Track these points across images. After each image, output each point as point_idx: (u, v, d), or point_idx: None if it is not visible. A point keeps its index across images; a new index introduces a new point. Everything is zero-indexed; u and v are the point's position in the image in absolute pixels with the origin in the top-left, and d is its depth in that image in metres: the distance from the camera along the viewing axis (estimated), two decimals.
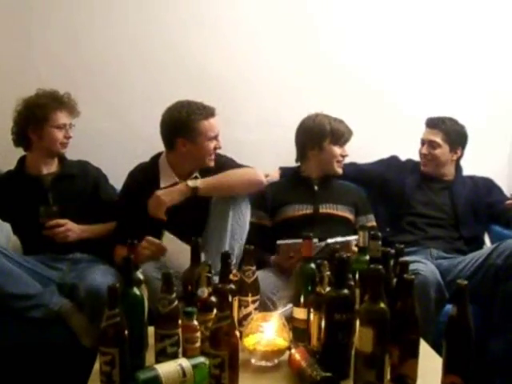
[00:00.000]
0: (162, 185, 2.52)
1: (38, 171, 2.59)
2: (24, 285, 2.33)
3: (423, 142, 2.93)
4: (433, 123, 2.91)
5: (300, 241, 2.16)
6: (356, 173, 3.00)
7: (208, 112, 2.48)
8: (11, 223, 2.60)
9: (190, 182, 2.45)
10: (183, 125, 2.46)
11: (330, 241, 2.32)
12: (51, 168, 2.62)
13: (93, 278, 2.29)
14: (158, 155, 2.63)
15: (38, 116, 2.50)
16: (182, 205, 2.43)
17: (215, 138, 2.52)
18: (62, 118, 2.54)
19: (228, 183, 2.48)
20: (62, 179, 2.60)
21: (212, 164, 2.55)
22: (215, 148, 2.54)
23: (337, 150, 2.75)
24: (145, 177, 2.57)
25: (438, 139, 2.87)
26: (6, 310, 2.30)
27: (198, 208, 2.47)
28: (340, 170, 2.79)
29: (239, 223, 2.48)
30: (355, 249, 2.35)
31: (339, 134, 2.73)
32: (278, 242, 2.42)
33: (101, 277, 2.29)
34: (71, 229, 2.49)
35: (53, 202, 2.53)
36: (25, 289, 2.32)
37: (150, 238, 2.33)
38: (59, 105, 2.53)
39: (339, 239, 2.34)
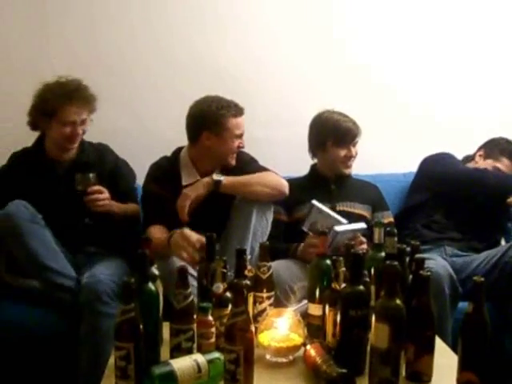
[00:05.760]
0: (183, 182, 2.53)
1: (55, 155, 2.53)
2: (63, 264, 2.32)
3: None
4: None
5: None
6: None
7: (238, 110, 2.50)
8: None
9: (215, 176, 2.44)
10: (211, 118, 2.47)
11: (338, 229, 2.29)
12: (69, 154, 2.54)
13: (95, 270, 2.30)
14: (179, 150, 2.64)
15: (46, 109, 2.43)
16: (203, 203, 2.42)
17: (240, 136, 2.53)
18: (71, 114, 2.42)
19: (252, 188, 2.45)
20: (78, 167, 2.50)
21: (233, 163, 2.55)
22: (239, 147, 2.54)
23: (340, 151, 2.68)
24: (165, 175, 2.56)
25: None
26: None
27: (220, 207, 2.46)
28: (347, 171, 2.75)
29: (262, 224, 2.45)
30: (362, 239, 2.37)
31: (342, 135, 2.67)
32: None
33: (104, 269, 2.31)
34: (109, 197, 2.45)
35: (65, 190, 2.46)
36: (63, 268, 2.31)
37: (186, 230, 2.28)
38: (69, 99, 2.41)
39: (347, 228, 2.35)
